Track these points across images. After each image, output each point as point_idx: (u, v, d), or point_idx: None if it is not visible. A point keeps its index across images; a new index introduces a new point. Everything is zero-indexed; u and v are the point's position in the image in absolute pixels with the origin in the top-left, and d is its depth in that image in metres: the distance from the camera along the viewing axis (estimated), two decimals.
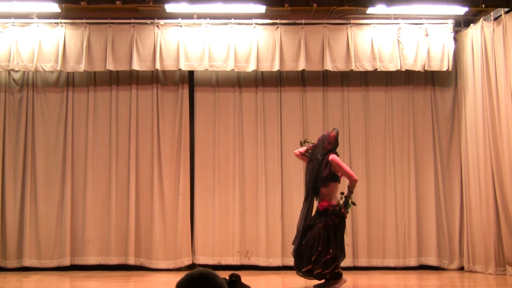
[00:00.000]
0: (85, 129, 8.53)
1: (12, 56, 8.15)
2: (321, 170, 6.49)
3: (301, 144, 6.96)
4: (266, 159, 8.52)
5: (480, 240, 7.96)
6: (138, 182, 8.47)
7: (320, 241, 6.34)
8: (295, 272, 6.68)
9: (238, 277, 2.27)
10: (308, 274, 6.49)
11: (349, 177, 6.54)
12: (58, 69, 8.21)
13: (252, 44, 8.30)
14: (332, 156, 6.53)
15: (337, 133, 6.73)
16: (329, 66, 8.31)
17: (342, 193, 6.60)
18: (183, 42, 8.29)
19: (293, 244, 6.71)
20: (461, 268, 8.32)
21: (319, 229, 6.37)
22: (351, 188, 6.52)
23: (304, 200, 6.73)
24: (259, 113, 8.63)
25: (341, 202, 6.52)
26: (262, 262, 8.33)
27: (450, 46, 8.39)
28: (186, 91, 8.66)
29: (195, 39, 8.30)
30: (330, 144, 6.58)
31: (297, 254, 6.54)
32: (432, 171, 8.57)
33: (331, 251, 6.32)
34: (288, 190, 8.48)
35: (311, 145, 6.75)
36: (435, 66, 8.41)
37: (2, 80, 8.56)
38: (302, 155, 6.81)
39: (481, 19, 8.05)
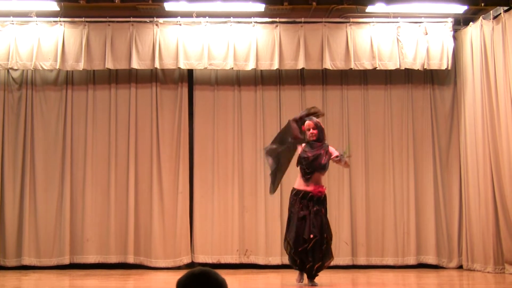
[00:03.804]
0: (84, 127, 8.52)
1: (11, 55, 8.13)
2: (326, 157, 6.47)
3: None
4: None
5: (479, 239, 7.96)
6: (137, 181, 8.47)
7: (326, 229, 6.34)
8: (293, 270, 6.60)
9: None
10: (317, 270, 6.34)
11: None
12: (57, 67, 8.20)
13: (251, 42, 8.30)
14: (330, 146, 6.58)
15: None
16: (328, 64, 8.30)
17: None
18: (182, 41, 8.28)
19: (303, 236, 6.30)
20: (460, 267, 8.34)
21: (321, 217, 6.32)
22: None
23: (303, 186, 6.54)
24: (258, 112, 8.63)
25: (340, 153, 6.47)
26: (261, 261, 8.32)
27: (450, 45, 8.39)
28: (185, 90, 8.66)
29: (194, 37, 8.30)
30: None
31: (315, 247, 6.26)
32: (431, 169, 8.57)
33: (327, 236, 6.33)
34: (287, 189, 8.44)
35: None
36: (434, 65, 8.40)
37: (1, 79, 8.55)
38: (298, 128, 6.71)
39: (481, 17, 8.05)
